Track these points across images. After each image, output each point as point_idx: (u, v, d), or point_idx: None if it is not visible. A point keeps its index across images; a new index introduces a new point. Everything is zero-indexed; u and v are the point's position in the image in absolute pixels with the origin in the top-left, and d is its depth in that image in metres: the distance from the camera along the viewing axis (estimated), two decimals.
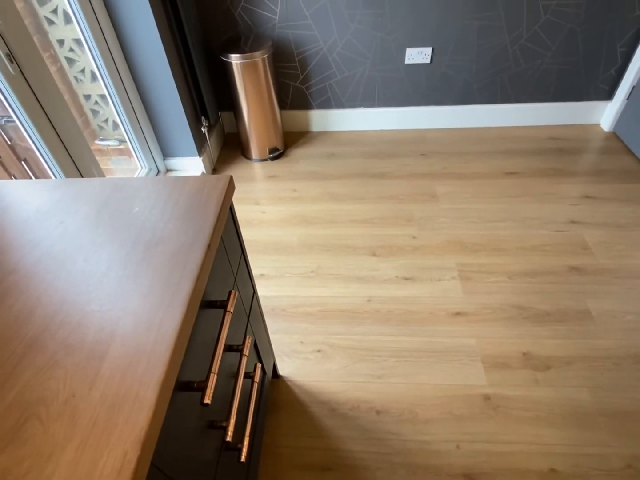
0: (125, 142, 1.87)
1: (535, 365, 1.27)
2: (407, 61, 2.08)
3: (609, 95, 2.16)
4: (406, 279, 1.55)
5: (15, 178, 1.39)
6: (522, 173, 1.99)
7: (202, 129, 2.04)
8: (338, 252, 1.68)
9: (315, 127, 2.39)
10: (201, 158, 2.01)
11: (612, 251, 1.59)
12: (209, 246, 0.59)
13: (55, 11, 1.60)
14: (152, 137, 1.92)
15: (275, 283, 1.58)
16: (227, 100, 2.29)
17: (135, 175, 1.90)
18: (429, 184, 1.98)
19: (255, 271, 1.64)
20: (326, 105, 2.29)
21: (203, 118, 2.01)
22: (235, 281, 0.81)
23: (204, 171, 2.05)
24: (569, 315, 1.39)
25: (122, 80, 1.70)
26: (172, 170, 2.05)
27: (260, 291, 1.55)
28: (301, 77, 2.18)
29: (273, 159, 2.21)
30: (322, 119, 2.35)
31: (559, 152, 2.10)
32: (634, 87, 2.04)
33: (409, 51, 2.04)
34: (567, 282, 1.50)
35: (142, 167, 1.93)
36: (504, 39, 1.98)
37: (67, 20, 1.59)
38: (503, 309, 1.43)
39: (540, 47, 2.00)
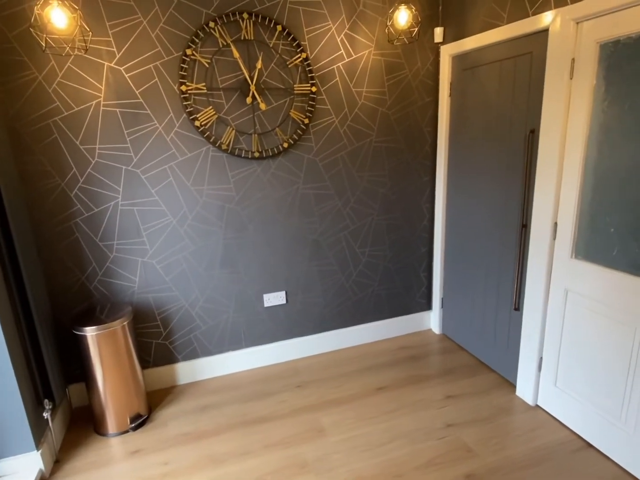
0: None
1: None
2: (266, 304, 2.31)
3: (428, 306, 2.71)
4: None
5: None
6: (390, 386, 2.15)
7: (44, 414, 1.71)
8: None
9: (182, 379, 2.25)
10: (40, 451, 1.62)
11: (490, 446, 1.71)
12: None
13: None
14: None
15: None
16: (77, 371, 2.06)
17: None
18: (312, 418, 1.94)
19: None
20: (193, 355, 2.25)
21: (46, 401, 1.71)
22: None
23: (42, 468, 1.62)
24: None
25: None
26: None
27: None
28: (164, 334, 2.17)
29: (135, 428, 1.92)
30: (190, 370, 2.26)
31: (411, 359, 2.39)
32: (442, 298, 2.62)
33: (266, 296, 2.30)
34: None
35: None
36: (340, 277, 2.43)
37: None
38: None
39: (367, 279, 2.50)
